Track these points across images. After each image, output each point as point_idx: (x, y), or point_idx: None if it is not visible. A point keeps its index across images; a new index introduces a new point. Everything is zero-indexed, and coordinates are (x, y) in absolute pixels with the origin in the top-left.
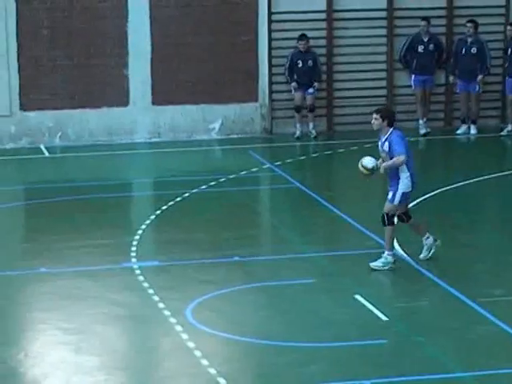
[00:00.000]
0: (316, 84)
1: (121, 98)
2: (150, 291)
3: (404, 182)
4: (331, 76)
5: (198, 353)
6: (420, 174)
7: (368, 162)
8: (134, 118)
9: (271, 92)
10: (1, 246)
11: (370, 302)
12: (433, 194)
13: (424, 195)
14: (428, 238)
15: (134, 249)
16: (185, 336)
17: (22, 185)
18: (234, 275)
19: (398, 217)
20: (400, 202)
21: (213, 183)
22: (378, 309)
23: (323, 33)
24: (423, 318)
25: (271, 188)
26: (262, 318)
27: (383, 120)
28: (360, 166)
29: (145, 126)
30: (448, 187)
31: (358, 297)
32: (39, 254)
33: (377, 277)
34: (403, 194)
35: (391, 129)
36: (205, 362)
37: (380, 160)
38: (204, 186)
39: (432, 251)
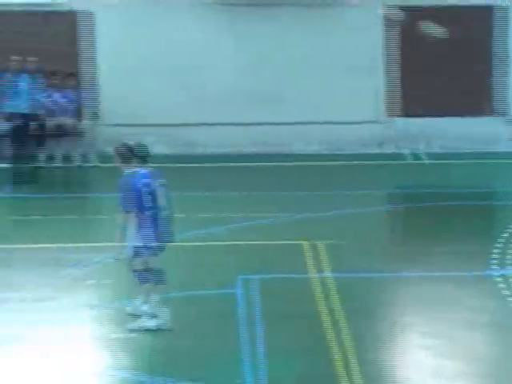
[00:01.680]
0: None
1: (485, 107)
2: None
3: None
4: None
5: None
6: None
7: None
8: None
9: None
10: (369, 249)
11: None
12: None
13: None
14: None
15: (496, 256)
16: None
17: (387, 189)
18: None
19: None
20: None
21: None
22: None
23: None
24: None
25: None
26: None
27: None
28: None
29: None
30: None
31: None
32: (402, 257)
33: None
34: None
35: None
36: None
37: None
38: None
39: None
